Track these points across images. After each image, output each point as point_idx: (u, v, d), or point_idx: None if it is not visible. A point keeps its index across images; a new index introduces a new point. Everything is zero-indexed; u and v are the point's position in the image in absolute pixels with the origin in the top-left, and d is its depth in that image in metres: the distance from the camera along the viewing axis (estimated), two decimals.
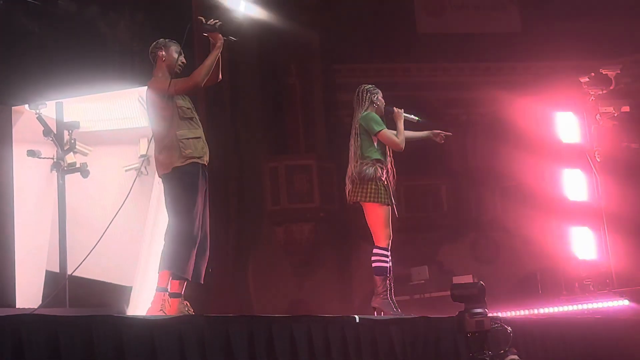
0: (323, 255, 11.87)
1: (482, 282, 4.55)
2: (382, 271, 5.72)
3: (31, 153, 7.03)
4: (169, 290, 5.05)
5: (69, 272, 7.14)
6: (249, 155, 11.86)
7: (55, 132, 7.14)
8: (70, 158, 7.23)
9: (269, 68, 12.18)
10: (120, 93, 8.42)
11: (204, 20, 5.31)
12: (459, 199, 12.71)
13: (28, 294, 7.83)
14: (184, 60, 5.38)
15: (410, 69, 12.99)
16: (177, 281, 5.03)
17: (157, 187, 8.28)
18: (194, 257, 5.03)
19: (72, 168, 7.23)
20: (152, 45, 5.40)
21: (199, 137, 5.23)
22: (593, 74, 9.47)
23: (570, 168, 9.74)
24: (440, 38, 12.79)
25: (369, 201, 5.67)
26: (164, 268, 5.06)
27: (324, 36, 12.40)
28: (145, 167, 8.39)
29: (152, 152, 8.16)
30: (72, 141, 7.18)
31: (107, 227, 5.45)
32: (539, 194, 10.84)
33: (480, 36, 12.87)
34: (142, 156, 8.37)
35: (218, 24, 5.30)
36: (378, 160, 5.80)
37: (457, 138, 13.10)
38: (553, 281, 9.61)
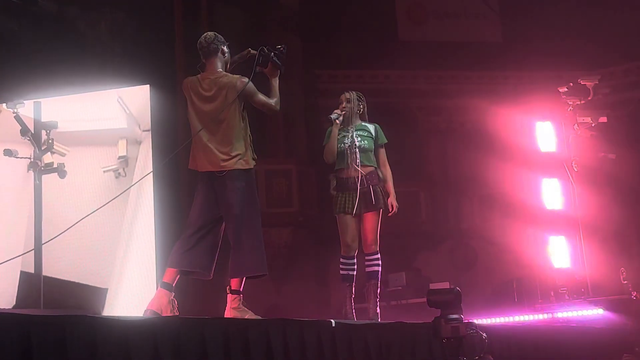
0: (301, 260, 11.86)
1: (458, 288, 4.56)
2: (341, 278, 5.88)
3: (8, 152, 6.97)
4: (173, 287, 5.02)
5: (44, 273, 7.09)
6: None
7: (32, 132, 7.08)
8: (47, 158, 7.19)
9: (250, 71, 12.17)
10: (100, 94, 8.39)
11: (266, 49, 5.29)
12: (438, 206, 12.75)
13: (2, 295, 7.76)
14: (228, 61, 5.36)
15: (391, 76, 13.03)
16: (237, 279, 5.21)
17: (135, 189, 8.25)
18: None
19: (49, 168, 7.18)
20: (211, 37, 5.27)
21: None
22: (572, 84, 9.54)
23: (548, 177, 9.80)
24: (421, 46, 12.85)
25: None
26: (253, 273, 5.27)
27: (305, 41, 12.40)
28: (124, 169, 8.36)
29: (131, 154, 8.13)
30: (50, 141, 7.13)
31: (70, 227, 5.40)
32: (517, 203, 10.89)
33: (461, 45, 12.95)
34: (120, 157, 8.35)
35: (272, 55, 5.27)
36: (336, 171, 5.98)
37: (437, 145, 13.19)
38: (529, 289, 9.65)
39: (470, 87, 12.77)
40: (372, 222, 5.83)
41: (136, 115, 8.53)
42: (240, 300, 5.08)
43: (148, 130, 8.53)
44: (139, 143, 8.55)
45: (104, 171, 8.39)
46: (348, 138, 5.96)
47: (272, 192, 11.74)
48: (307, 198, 11.80)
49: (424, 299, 4.56)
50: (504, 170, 11.70)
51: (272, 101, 5.35)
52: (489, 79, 12.99)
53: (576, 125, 9.50)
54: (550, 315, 8.75)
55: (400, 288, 10.48)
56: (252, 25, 12.01)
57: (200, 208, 5.21)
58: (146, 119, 8.51)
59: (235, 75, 5.26)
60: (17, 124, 7.07)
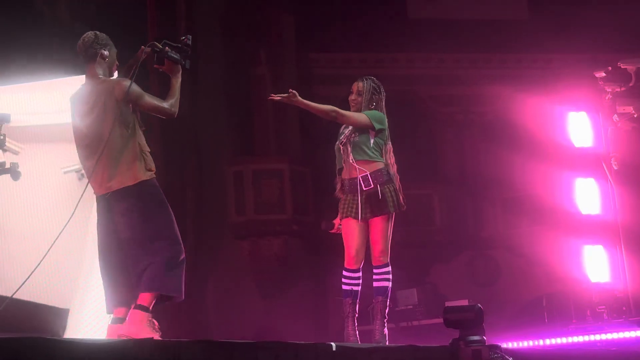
0: (295, 274, 11.86)
1: (479, 306, 4.57)
2: (343, 294, 5.87)
3: None
4: (150, 310, 5.08)
5: None
6: (210, 158, 11.84)
7: None
8: None
9: (234, 55, 12.17)
10: (60, 82, 8.35)
11: (157, 48, 5.37)
12: (454, 211, 12.75)
13: None
14: (118, 63, 5.49)
15: (399, 60, 13.03)
16: (150, 294, 5.11)
17: None
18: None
19: (0, 169, 7.17)
20: (90, 39, 5.41)
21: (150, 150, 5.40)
22: (610, 68, 9.53)
23: (583, 177, 9.79)
24: (434, 24, 12.85)
25: None
26: (155, 290, 5.13)
27: (299, 19, 12.41)
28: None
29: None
30: (1, 137, 7.12)
31: (53, 243, 5.41)
32: (547, 207, 10.90)
33: (480, 23, 12.95)
34: None
35: (171, 52, 5.39)
36: (339, 172, 5.99)
37: (453, 140, 13.19)
38: (561, 307, 9.65)
39: (492, 72, 12.77)
40: (380, 229, 5.80)
41: None
42: (149, 318, 5.11)
43: None
44: None
45: (65, 172, 8.35)
46: (344, 133, 5.97)
47: (262, 196, 11.73)
48: (301, 203, 11.80)
49: (440, 319, 4.56)
50: (531, 169, 11.69)
51: (166, 104, 5.37)
52: (514, 62, 13.00)
53: (616, 116, 9.50)
54: (586, 338, 8.75)
55: (411, 307, 10.48)
56: (235, 3, 12.01)
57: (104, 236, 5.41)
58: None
59: (113, 79, 5.37)
60: None
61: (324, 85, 12.43)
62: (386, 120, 6.01)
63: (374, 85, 6.07)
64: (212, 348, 3.85)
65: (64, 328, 7.72)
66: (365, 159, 5.83)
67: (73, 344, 3.44)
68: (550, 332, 9.06)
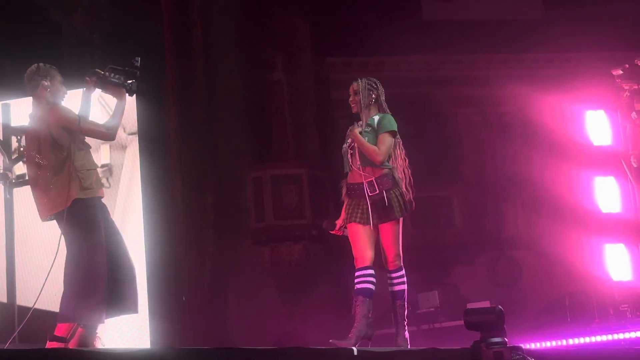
0: (316, 279, 11.87)
1: (500, 307, 4.56)
2: (355, 293, 5.91)
3: None
4: (67, 339, 5.20)
5: (18, 302, 7.14)
6: (228, 165, 11.87)
7: (1, 139, 7.15)
8: (19, 169, 7.25)
9: (250, 62, 12.20)
10: (78, 92, 8.43)
11: (101, 74, 5.68)
12: (474, 212, 12.72)
13: None
14: (66, 92, 5.80)
15: (415, 62, 13.02)
16: (65, 324, 5.28)
17: (122, 202, 8.31)
18: (105, 295, 5.35)
19: (21, 180, 7.24)
20: (32, 71, 5.69)
21: (95, 169, 5.65)
22: (627, 65, 9.51)
23: (603, 175, 9.77)
24: (449, 26, 12.82)
25: None
26: (65, 321, 5.31)
27: (314, 24, 12.43)
28: (108, 179, 8.42)
29: (116, 161, 8.21)
30: (22, 149, 7.18)
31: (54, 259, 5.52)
32: (567, 206, 10.86)
33: (496, 23, 12.92)
34: (103, 165, 8.40)
35: (117, 76, 5.69)
36: (345, 176, 6.01)
37: (471, 142, 13.17)
38: (584, 306, 9.62)
39: (508, 73, 12.72)
40: (390, 234, 5.82)
41: None
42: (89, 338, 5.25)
43: (134, 134, 8.59)
44: (124, 148, 8.61)
45: None
46: (349, 137, 5.99)
47: (281, 202, 11.75)
48: (321, 207, 11.80)
49: (461, 321, 4.57)
50: (551, 168, 11.67)
51: (102, 127, 5.64)
52: (530, 62, 12.95)
53: (634, 113, 9.48)
54: (609, 337, 8.72)
55: (432, 309, 10.48)
56: (251, 10, 12.05)
57: None
58: (131, 121, 8.56)
59: (48, 107, 5.62)
60: None
61: (341, 89, 12.35)
62: (396, 124, 5.99)
63: (369, 82, 6.07)
64: (234, 355, 3.88)
65: None
66: (371, 165, 5.84)
67: (96, 354, 3.48)
68: (573, 331, 9.03)
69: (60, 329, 5.25)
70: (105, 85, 5.69)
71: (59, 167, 5.48)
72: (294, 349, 4.26)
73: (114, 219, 8.36)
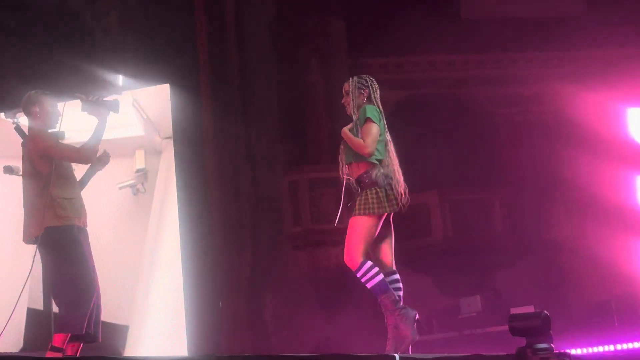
0: (355, 283, 11.80)
1: (545, 312, 4.52)
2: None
3: (8, 169, 7.08)
4: (64, 349, 5.43)
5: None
6: (264, 169, 11.88)
7: None
8: None
9: (285, 64, 12.21)
10: (111, 97, 8.48)
11: (83, 97, 6.03)
12: (516, 215, 12.64)
13: (7, 337, 7.87)
14: (60, 113, 6.05)
15: (453, 62, 12.97)
16: (61, 335, 5.53)
17: (158, 207, 8.33)
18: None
19: None
20: (24, 100, 6.01)
21: (75, 198, 5.89)
22: None
23: None
24: (489, 24, 12.76)
25: None
26: (60, 332, 5.54)
27: (350, 24, 12.41)
28: (143, 184, 8.46)
29: (151, 166, 8.25)
30: None
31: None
32: (611, 206, 10.77)
33: (536, 21, 12.83)
34: (138, 170, 8.44)
35: (100, 99, 6.05)
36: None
37: (512, 142, 13.08)
38: (632, 310, 9.52)
39: (549, 71, 12.64)
40: (349, 229, 5.75)
41: (155, 121, 8.62)
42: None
43: (169, 138, 8.62)
44: (159, 153, 8.64)
45: (120, 187, 8.48)
46: None
47: (318, 205, 11.74)
48: None
49: (504, 327, 4.53)
50: (593, 168, 11.54)
51: (75, 152, 5.91)
52: (572, 59, 12.84)
53: None
54: None
55: (474, 314, 10.42)
56: (285, 10, 12.06)
57: None
58: (166, 125, 8.59)
59: (29, 135, 5.97)
60: (18, 136, 7.17)
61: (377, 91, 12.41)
62: (380, 114, 5.83)
63: (360, 80, 5.96)
64: None
65: (124, 345, 7.82)
66: (355, 160, 5.78)
67: None
68: (621, 336, 8.94)
69: (57, 339, 5.48)
70: (88, 106, 6.03)
71: (38, 193, 5.75)
72: (334, 355, 4.24)
73: (149, 224, 8.43)
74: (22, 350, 7.78)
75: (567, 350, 4.50)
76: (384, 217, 5.74)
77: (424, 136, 12.11)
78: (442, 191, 11.86)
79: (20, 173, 7.16)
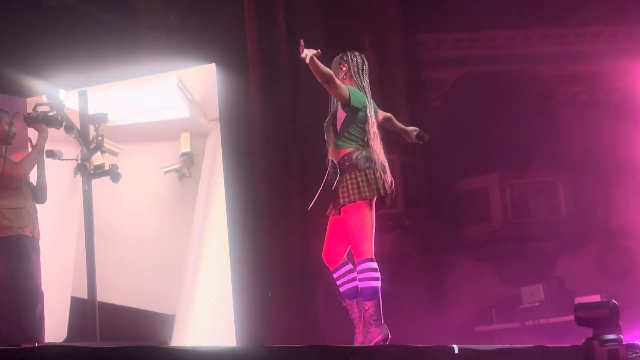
0: (409, 271, 11.84)
1: (613, 301, 4.50)
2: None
3: (50, 154, 7.20)
4: None
5: (99, 299, 7.29)
6: (315, 152, 11.88)
7: (78, 128, 7.29)
8: (97, 159, 7.39)
9: (336, 41, 12.20)
10: (155, 77, 8.58)
11: (25, 114, 6.61)
12: (581, 199, 12.54)
13: (51, 326, 8.01)
14: (15, 132, 6.50)
15: (514, 38, 12.87)
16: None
17: (204, 192, 8.40)
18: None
19: (99, 171, 7.38)
20: None
21: (22, 208, 6.32)
22: None
23: None
24: None
25: None
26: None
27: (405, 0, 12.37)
28: (188, 168, 8.53)
29: (197, 149, 8.33)
30: (99, 138, 7.33)
31: None
32: None
33: None
34: (183, 154, 8.51)
35: (42, 114, 6.54)
36: None
37: (577, 123, 12.96)
38: None
39: (617, 46, 12.49)
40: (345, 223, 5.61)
41: (200, 102, 8.68)
42: None
43: (216, 120, 8.67)
44: (205, 136, 8.71)
45: (165, 172, 8.56)
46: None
47: None
48: (414, 195, 11.76)
49: (568, 317, 4.51)
50: None
51: (14, 166, 6.43)
52: None
53: None
54: None
55: (536, 304, 10.36)
56: None
57: None
58: (213, 106, 8.65)
59: None
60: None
61: (433, 68, 12.37)
62: (363, 97, 5.69)
63: (341, 57, 5.87)
64: (328, 353, 3.89)
65: (170, 335, 7.91)
66: (335, 146, 5.63)
67: (183, 352, 3.52)
68: None
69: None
70: (31, 121, 6.59)
71: None
72: (390, 346, 4.25)
73: (195, 210, 8.50)
74: (66, 340, 7.92)
75: (637, 342, 4.45)
76: (372, 202, 5.59)
77: (482, 116, 12.04)
78: (502, 174, 11.80)
79: (64, 157, 7.30)
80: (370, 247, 5.60)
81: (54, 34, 8.73)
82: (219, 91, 8.55)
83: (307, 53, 5.35)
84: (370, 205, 5.60)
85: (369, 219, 5.61)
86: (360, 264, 5.58)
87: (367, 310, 5.38)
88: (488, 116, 12.04)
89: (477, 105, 12.08)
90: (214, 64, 8.57)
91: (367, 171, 5.53)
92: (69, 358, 3.08)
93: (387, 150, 12.63)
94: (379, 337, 5.13)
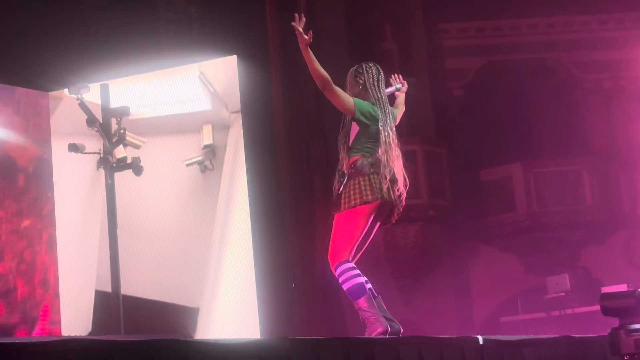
0: (433, 262, 11.84)
1: None
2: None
3: (73, 147, 7.24)
4: None
5: (123, 292, 7.32)
6: (336, 141, 11.88)
7: (101, 121, 7.32)
8: (119, 152, 7.41)
9: (358, 31, 12.18)
10: (177, 70, 8.59)
11: None
12: (607, 187, 12.47)
13: (75, 319, 8.07)
14: None
15: (537, 25, 12.81)
16: None
17: (227, 185, 8.42)
18: None
19: (122, 164, 7.41)
20: None
21: None
22: None
23: None
24: None
25: None
26: None
27: None
28: (211, 160, 8.55)
29: (219, 142, 8.37)
30: (122, 131, 7.36)
31: None
32: None
33: None
34: (206, 146, 8.52)
35: None
36: None
37: (602, 110, 12.90)
38: None
39: None
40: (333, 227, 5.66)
41: (222, 94, 8.68)
42: None
43: (237, 112, 8.68)
44: (227, 128, 8.71)
45: (187, 164, 8.58)
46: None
47: None
48: (437, 185, 11.73)
49: (594, 307, 4.50)
50: None
51: None
52: None
53: None
54: None
55: (562, 294, 10.33)
56: None
57: None
58: (234, 99, 8.65)
59: None
60: (82, 112, 7.31)
61: (456, 57, 12.34)
62: (374, 109, 5.62)
63: (357, 69, 5.74)
64: (352, 345, 3.89)
65: (194, 327, 7.94)
66: (346, 152, 5.60)
67: (207, 345, 3.53)
68: None
69: None
70: None
71: None
72: (415, 337, 4.25)
73: (218, 202, 8.52)
74: (91, 333, 7.96)
75: None
76: (374, 207, 5.53)
77: (505, 105, 12.00)
78: (526, 163, 11.75)
79: (86, 150, 7.33)
80: (347, 252, 5.55)
81: (76, 28, 8.76)
82: (241, 83, 8.55)
83: (298, 28, 5.33)
84: (370, 212, 5.53)
85: (360, 227, 5.55)
86: (338, 267, 5.55)
87: (360, 307, 5.33)
88: (511, 105, 12.00)
89: (499, 94, 12.04)
90: (235, 56, 8.56)
91: (371, 176, 5.49)
92: (94, 351, 3.10)
93: (409, 142, 12.65)
94: (379, 330, 5.11)
